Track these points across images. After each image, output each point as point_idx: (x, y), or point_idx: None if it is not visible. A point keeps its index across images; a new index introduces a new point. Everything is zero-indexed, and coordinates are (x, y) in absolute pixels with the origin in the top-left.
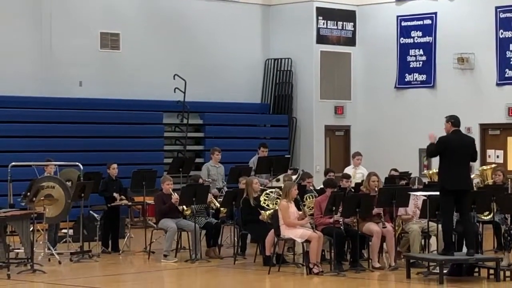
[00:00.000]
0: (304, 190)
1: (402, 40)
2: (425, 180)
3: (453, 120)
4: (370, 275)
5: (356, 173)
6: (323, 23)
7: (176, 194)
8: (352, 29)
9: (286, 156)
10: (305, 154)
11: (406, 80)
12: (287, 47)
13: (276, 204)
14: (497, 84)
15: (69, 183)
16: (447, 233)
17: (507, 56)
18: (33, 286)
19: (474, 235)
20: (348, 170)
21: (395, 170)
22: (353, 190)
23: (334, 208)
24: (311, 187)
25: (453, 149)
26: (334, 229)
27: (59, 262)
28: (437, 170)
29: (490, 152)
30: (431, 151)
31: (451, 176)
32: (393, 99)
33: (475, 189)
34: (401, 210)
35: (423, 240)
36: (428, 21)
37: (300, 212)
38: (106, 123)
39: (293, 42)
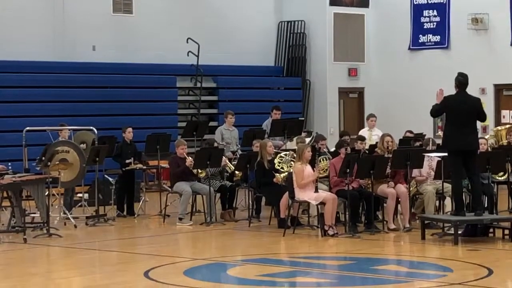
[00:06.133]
0: (317, 153)
1: (415, 1)
2: (439, 141)
3: (457, 82)
4: (385, 236)
5: (372, 135)
6: None
7: (190, 157)
8: None
9: (300, 118)
10: (319, 116)
11: (420, 41)
12: (300, 9)
13: (290, 166)
14: None
15: (83, 145)
16: (456, 194)
17: None
18: (49, 250)
19: (481, 195)
20: (363, 132)
21: (410, 131)
22: (367, 152)
23: (348, 170)
24: (325, 149)
25: (454, 110)
26: (349, 191)
27: (75, 226)
28: None
29: (504, 112)
30: (434, 110)
31: (453, 137)
32: (407, 61)
33: (480, 149)
34: (415, 172)
35: (437, 201)
36: None
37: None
38: (120, 87)
39: (306, 5)
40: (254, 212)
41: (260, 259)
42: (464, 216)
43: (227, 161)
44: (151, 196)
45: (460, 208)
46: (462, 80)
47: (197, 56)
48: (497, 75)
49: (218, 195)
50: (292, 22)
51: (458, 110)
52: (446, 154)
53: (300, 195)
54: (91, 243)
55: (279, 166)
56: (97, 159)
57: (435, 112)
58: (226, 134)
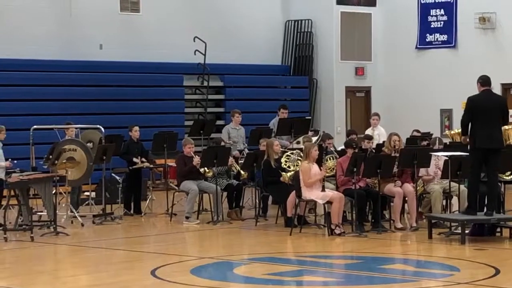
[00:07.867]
0: (324, 151)
1: (423, 0)
2: (446, 141)
3: (481, 80)
4: (391, 235)
5: (374, 134)
6: None
7: (197, 156)
8: None
9: (307, 117)
10: (326, 115)
11: (427, 40)
12: (307, 8)
13: (297, 165)
14: None
15: (90, 144)
16: (472, 191)
17: None
18: (56, 248)
19: (496, 197)
20: (367, 131)
21: (417, 131)
22: (374, 151)
23: (355, 169)
24: (332, 148)
25: (481, 108)
26: (356, 190)
27: (82, 225)
28: (458, 130)
29: None
30: (464, 119)
31: (480, 135)
32: (414, 60)
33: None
34: (422, 171)
35: (444, 201)
36: None
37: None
38: (127, 86)
39: (313, 3)
40: (261, 211)
41: (267, 258)
42: (475, 215)
43: (233, 161)
44: (158, 194)
45: (473, 207)
46: (485, 78)
47: (204, 54)
48: (504, 74)
49: (225, 194)
50: (299, 21)
51: (482, 108)
52: (453, 153)
53: (307, 194)
54: (98, 242)
55: (285, 165)
56: (104, 157)
57: (466, 119)
58: (233, 133)
